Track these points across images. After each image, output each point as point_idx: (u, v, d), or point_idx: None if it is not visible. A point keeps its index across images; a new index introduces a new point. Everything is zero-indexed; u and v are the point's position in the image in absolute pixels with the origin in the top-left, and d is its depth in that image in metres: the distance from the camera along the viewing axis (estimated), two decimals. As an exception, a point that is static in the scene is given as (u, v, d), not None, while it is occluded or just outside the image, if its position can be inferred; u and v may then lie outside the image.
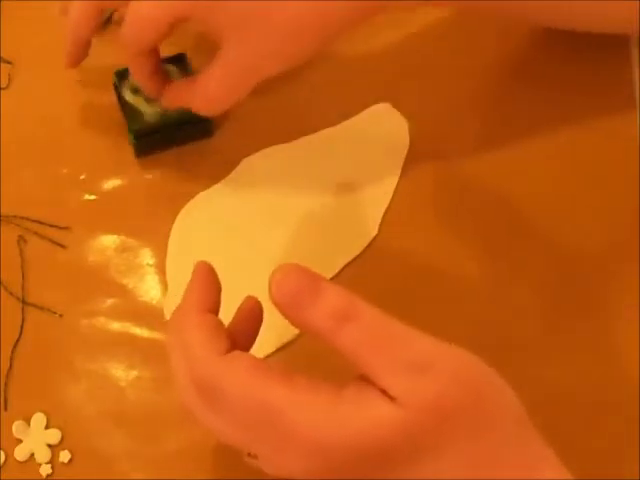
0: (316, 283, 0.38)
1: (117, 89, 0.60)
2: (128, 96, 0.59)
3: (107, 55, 0.61)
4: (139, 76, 0.56)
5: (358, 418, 0.37)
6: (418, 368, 0.37)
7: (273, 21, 0.50)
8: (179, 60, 0.61)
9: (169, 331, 0.44)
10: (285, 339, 0.53)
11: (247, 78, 0.53)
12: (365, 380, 0.38)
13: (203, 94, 0.53)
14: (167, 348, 0.43)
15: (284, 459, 0.38)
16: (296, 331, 0.53)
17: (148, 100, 0.58)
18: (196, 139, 0.60)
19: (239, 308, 0.45)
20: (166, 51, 0.58)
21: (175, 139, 0.59)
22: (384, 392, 0.37)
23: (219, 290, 0.44)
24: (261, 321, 0.45)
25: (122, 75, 0.60)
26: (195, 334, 0.40)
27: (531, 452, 0.39)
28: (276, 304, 0.39)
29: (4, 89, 0.62)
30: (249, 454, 0.40)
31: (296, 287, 0.38)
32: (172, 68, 0.59)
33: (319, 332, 0.38)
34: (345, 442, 0.36)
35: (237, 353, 0.40)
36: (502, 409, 0.38)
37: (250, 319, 0.45)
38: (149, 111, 0.58)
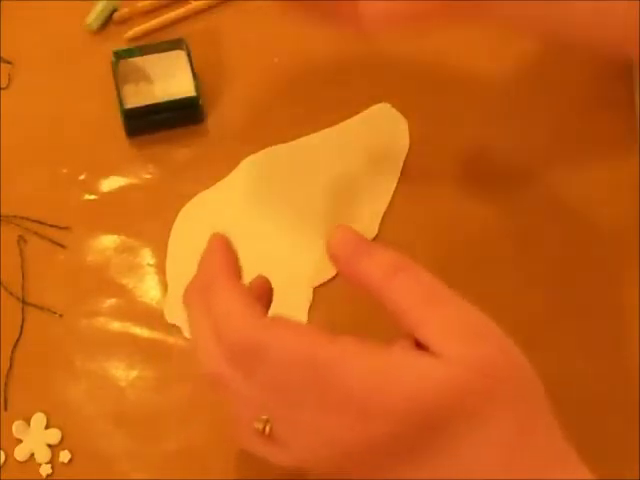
0: (371, 243, 0.39)
1: (115, 69, 0.60)
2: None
3: (107, 55, 0.61)
4: None
5: (412, 374, 0.36)
6: (470, 331, 0.37)
7: None
8: (177, 45, 0.61)
9: (186, 304, 0.43)
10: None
11: None
12: (411, 339, 0.37)
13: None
14: (189, 321, 0.42)
15: (328, 421, 0.36)
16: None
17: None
18: (187, 123, 0.60)
19: (250, 285, 0.45)
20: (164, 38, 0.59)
21: (165, 122, 0.60)
22: (434, 351, 0.36)
23: (238, 257, 0.43)
24: (271, 299, 0.45)
25: (120, 55, 0.61)
26: (231, 300, 0.39)
27: (557, 445, 0.38)
28: (334, 256, 0.39)
29: (4, 89, 0.62)
30: (267, 434, 0.39)
31: (355, 240, 0.39)
32: None
33: (372, 282, 0.38)
34: (401, 400, 0.35)
35: (278, 317, 0.39)
36: (536, 395, 0.38)
37: (262, 297, 0.44)
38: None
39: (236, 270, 0.42)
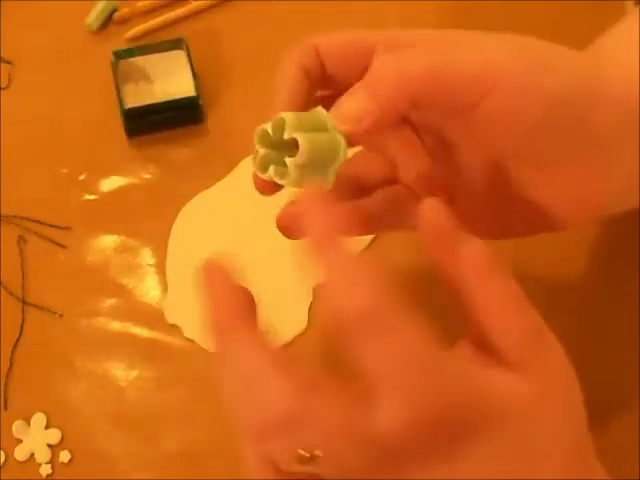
0: (465, 231, 0.36)
1: (115, 69, 0.61)
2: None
3: (107, 55, 0.61)
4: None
5: (484, 385, 0.35)
6: (542, 346, 0.37)
7: None
8: (177, 45, 0.61)
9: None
10: (286, 339, 0.53)
11: None
12: (478, 341, 0.36)
13: None
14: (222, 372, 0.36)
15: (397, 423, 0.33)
16: (295, 332, 0.53)
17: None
18: (187, 123, 0.60)
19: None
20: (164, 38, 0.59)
21: (165, 122, 0.60)
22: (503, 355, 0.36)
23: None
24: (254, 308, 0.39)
25: (120, 55, 0.61)
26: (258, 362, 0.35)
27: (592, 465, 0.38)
28: (424, 234, 0.36)
29: (4, 89, 0.62)
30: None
31: (449, 222, 0.36)
32: None
33: (464, 274, 0.36)
34: (473, 405, 0.34)
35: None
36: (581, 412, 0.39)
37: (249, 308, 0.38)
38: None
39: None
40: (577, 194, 0.41)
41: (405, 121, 0.40)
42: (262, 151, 0.40)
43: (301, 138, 0.38)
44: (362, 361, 0.33)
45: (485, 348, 0.36)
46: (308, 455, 0.34)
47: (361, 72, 0.39)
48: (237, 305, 0.37)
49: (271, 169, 0.39)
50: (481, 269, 0.36)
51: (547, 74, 0.39)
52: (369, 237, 0.56)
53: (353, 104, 0.38)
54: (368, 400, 0.33)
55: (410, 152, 0.41)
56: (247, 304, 0.37)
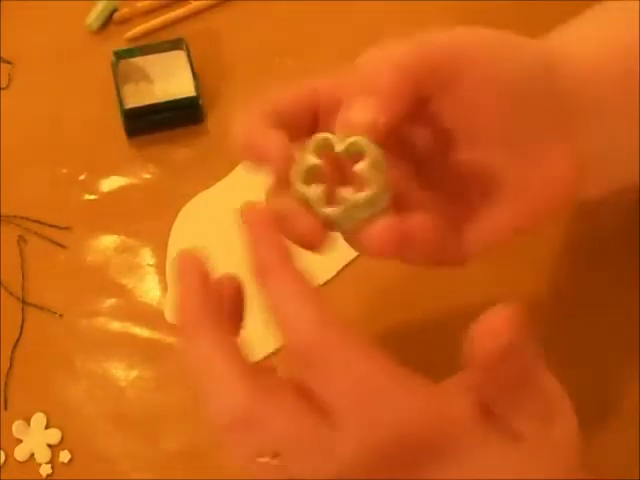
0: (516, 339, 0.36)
1: (115, 69, 0.61)
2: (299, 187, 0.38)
3: (107, 55, 0.61)
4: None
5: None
6: (548, 414, 0.37)
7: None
8: (177, 45, 0.61)
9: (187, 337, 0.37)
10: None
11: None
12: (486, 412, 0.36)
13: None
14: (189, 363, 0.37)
15: (359, 446, 0.34)
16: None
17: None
18: (187, 123, 0.60)
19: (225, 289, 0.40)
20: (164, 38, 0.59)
21: (165, 122, 0.60)
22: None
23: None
24: (243, 301, 0.40)
25: (120, 55, 0.61)
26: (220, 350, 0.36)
27: None
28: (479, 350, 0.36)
29: (4, 89, 0.62)
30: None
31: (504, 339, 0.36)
32: None
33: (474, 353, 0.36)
34: None
35: (349, 327, 0.35)
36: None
37: (236, 301, 0.40)
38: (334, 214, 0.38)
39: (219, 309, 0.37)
40: (548, 176, 0.41)
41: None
42: (312, 160, 0.36)
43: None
44: (315, 390, 0.34)
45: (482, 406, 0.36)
46: (267, 460, 0.35)
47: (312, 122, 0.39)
48: (205, 302, 0.37)
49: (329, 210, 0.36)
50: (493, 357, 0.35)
51: (514, 49, 0.40)
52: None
53: (360, 110, 0.37)
54: (326, 415, 0.34)
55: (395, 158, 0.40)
56: (216, 302, 0.38)
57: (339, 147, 0.36)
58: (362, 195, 0.36)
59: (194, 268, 0.38)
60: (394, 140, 0.39)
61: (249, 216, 0.39)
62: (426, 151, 0.41)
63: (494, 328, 0.35)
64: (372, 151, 0.36)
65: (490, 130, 0.40)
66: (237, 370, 0.35)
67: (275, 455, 0.35)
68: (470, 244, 0.41)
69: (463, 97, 0.39)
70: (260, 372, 0.36)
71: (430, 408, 0.35)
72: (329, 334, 0.35)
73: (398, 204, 0.38)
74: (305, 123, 0.40)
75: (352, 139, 0.36)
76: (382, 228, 0.36)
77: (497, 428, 0.36)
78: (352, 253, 0.55)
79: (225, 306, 0.38)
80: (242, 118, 0.41)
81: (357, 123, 0.37)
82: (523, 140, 0.40)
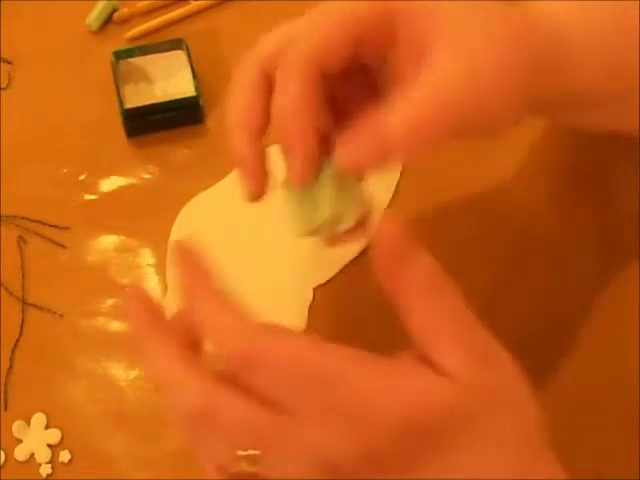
0: (415, 245, 0.37)
1: (115, 69, 0.61)
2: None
3: (107, 55, 0.61)
4: (304, 122, 0.40)
5: (416, 387, 0.35)
6: (480, 357, 0.37)
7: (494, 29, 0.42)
8: (177, 45, 0.61)
9: (142, 338, 0.40)
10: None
11: (463, 95, 0.40)
12: (415, 351, 0.37)
13: (414, 114, 0.40)
14: (147, 361, 0.39)
15: (324, 433, 0.35)
16: (303, 325, 0.53)
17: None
18: (187, 123, 0.60)
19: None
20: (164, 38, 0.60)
21: (165, 122, 0.60)
22: (440, 369, 0.36)
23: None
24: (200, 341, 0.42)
25: (120, 55, 0.61)
26: (219, 311, 0.38)
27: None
28: (377, 247, 0.37)
29: (4, 89, 0.62)
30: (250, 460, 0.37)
31: (401, 238, 0.37)
32: None
33: (404, 293, 0.37)
34: (401, 411, 0.35)
35: (277, 326, 0.37)
36: (530, 421, 0.38)
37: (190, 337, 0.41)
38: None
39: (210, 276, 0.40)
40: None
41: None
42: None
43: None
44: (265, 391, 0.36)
45: (424, 361, 0.36)
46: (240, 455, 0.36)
47: None
48: (149, 315, 0.40)
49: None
50: (420, 291, 0.37)
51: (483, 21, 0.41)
52: (357, 248, 0.56)
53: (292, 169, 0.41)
54: (281, 410, 0.35)
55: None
56: (158, 312, 0.40)
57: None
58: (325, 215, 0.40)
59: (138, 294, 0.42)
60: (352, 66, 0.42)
61: (176, 250, 0.41)
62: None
63: (386, 232, 0.37)
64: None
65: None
66: (188, 370, 0.37)
67: (235, 456, 0.36)
68: None
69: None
70: (212, 374, 0.37)
71: (385, 385, 0.35)
72: (261, 337, 0.36)
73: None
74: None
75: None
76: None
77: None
78: (352, 253, 0.55)
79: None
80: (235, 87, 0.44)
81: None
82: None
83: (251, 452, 0.36)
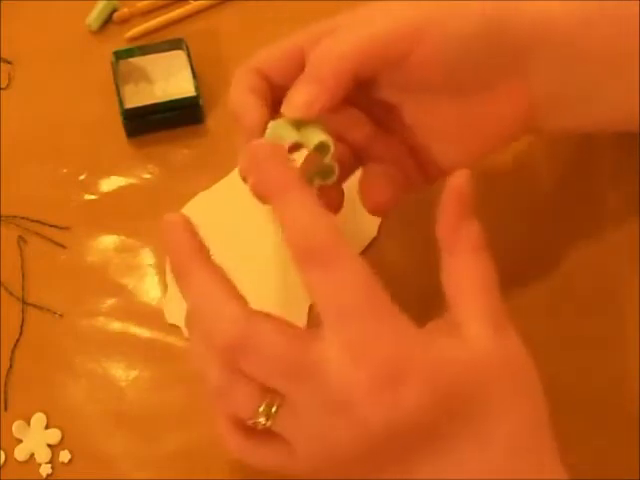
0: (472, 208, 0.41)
1: (115, 69, 0.61)
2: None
3: (107, 55, 0.61)
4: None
5: (440, 346, 0.38)
6: (502, 326, 0.40)
7: None
8: (177, 45, 0.61)
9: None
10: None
11: None
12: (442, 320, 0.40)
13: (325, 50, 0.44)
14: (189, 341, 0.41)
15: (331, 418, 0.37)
16: (303, 325, 0.53)
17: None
18: (187, 123, 0.60)
19: None
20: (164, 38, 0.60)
21: (165, 122, 0.60)
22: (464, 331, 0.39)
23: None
24: None
25: (120, 55, 0.61)
26: (212, 289, 0.39)
27: (550, 446, 0.39)
28: (447, 203, 0.41)
29: (4, 89, 0.62)
30: (269, 425, 0.39)
31: (468, 199, 0.41)
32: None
33: (455, 247, 0.41)
34: (421, 377, 0.36)
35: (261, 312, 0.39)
36: (540, 394, 0.41)
37: None
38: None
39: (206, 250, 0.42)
40: (497, 113, 0.46)
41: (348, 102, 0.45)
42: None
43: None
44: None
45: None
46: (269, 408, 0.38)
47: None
48: (190, 245, 0.42)
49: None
50: (472, 249, 0.40)
51: (460, 18, 0.44)
52: (368, 238, 0.56)
53: (302, 93, 0.43)
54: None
55: (355, 123, 0.47)
56: (200, 244, 0.42)
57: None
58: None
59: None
60: (358, 104, 0.46)
61: (164, 224, 0.43)
62: (383, 111, 0.47)
63: (457, 187, 0.41)
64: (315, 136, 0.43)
65: (437, 85, 0.45)
66: (233, 294, 0.39)
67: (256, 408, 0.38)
68: (431, 177, 0.48)
69: (411, 71, 0.44)
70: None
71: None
72: (255, 323, 0.38)
73: (364, 156, 0.47)
74: (293, 76, 0.44)
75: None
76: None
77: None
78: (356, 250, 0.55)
79: None
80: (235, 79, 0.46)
81: (297, 104, 0.43)
82: (470, 86, 0.45)
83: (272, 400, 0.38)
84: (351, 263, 0.38)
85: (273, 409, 0.38)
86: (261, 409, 0.38)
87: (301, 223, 0.38)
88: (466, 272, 0.40)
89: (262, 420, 0.38)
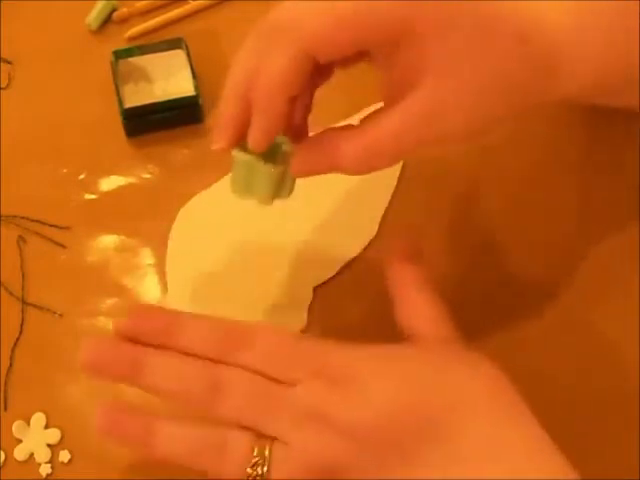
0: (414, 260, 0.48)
1: (114, 69, 0.61)
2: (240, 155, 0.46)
3: (107, 54, 0.61)
4: (278, 101, 0.42)
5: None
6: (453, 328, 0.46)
7: (479, 61, 0.41)
8: (177, 44, 0.61)
9: None
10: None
11: (427, 128, 0.41)
12: None
13: (364, 145, 0.41)
14: None
15: None
16: (303, 325, 0.53)
17: (265, 157, 0.45)
18: (187, 123, 0.60)
19: None
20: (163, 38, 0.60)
21: (165, 122, 0.60)
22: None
23: None
24: None
25: (119, 55, 0.61)
26: None
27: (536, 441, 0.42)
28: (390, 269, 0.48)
29: (4, 89, 0.62)
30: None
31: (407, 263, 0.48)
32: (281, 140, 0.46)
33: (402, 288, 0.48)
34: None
35: None
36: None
37: None
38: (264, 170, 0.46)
39: None
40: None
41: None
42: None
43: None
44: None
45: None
46: None
47: None
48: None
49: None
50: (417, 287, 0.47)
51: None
52: (368, 238, 0.56)
53: (251, 133, 0.43)
54: None
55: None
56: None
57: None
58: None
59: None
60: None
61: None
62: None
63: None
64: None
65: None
66: None
67: None
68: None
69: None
70: None
71: None
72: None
73: None
74: None
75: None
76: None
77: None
78: (352, 253, 0.55)
79: None
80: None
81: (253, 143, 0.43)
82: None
83: None
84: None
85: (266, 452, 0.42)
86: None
87: None
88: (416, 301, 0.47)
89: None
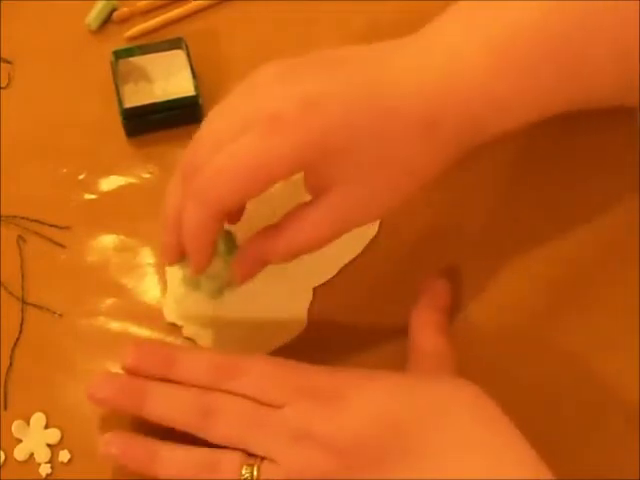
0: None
1: (114, 68, 0.61)
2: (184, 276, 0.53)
3: (107, 54, 0.61)
4: (202, 243, 0.47)
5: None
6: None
7: (387, 163, 0.46)
8: (177, 44, 0.61)
9: None
10: (285, 339, 0.53)
11: (342, 224, 0.47)
12: None
13: (294, 240, 0.48)
14: None
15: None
16: (295, 332, 0.53)
17: (209, 276, 0.52)
18: (187, 123, 0.60)
19: None
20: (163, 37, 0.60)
21: (165, 122, 0.60)
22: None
23: None
24: None
25: (119, 54, 0.61)
26: None
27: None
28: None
29: (4, 89, 0.62)
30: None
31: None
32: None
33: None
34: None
35: None
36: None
37: None
38: (209, 286, 0.53)
39: None
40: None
41: None
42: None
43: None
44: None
45: None
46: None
47: None
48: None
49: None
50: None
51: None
52: (368, 238, 0.56)
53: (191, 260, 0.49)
54: None
55: None
56: None
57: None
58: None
59: None
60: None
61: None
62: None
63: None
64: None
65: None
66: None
67: None
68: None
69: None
70: None
71: None
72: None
73: None
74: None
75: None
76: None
77: None
78: (352, 253, 0.55)
79: None
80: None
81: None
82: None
83: None
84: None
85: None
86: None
87: None
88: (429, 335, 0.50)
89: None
